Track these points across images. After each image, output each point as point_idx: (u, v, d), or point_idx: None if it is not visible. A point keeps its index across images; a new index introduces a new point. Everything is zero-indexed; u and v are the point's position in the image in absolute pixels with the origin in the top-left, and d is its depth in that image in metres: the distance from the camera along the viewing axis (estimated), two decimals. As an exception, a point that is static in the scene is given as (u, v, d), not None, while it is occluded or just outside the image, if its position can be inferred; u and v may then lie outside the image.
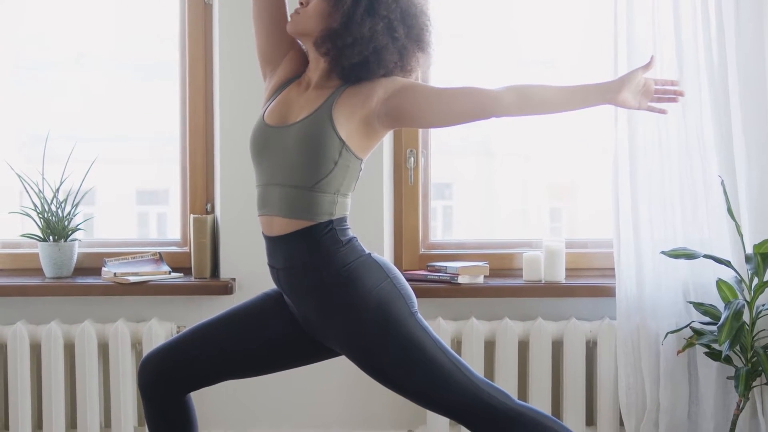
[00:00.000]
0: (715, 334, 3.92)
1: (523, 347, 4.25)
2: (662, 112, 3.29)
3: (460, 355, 4.14)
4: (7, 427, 4.23)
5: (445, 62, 4.41)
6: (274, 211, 3.11)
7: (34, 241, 4.31)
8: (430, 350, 3.05)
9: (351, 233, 3.13)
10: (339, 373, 4.22)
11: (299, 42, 3.28)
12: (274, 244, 3.14)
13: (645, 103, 3.21)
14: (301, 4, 3.14)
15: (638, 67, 3.25)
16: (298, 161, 3.05)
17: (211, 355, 3.21)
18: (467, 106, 3.09)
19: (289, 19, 3.19)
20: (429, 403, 3.12)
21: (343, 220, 3.10)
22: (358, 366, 3.12)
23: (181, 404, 3.23)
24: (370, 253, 3.12)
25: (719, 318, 3.92)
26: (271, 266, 3.19)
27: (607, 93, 3.16)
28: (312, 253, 3.07)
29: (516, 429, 3.04)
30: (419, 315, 3.10)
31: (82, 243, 4.39)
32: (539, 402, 4.15)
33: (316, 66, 3.18)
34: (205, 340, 3.22)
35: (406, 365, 3.05)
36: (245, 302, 3.29)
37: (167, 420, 3.22)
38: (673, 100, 3.27)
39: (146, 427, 3.25)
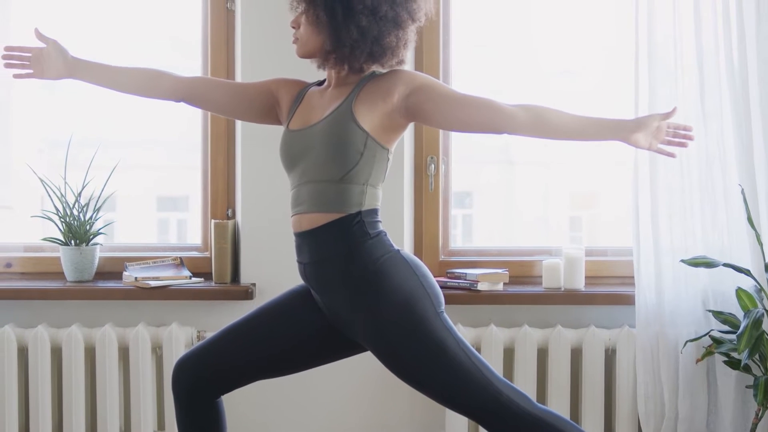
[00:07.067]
0: (735, 342, 3.92)
1: (542, 354, 4.26)
2: (671, 155, 3.30)
3: (479, 361, 4.14)
4: (27, 429, 4.25)
5: (467, 72, 4.43)
6: (304, 208, 3.14)
7: (56, 245, 4.33)
8: (451, 349, 3.07)
9: (381, 227, 3.15)
10: (358, 378, 4.24)
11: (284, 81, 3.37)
12: (303, 239, 3.17)
13: (655, 144, 3.24)
14: (294, 27, 3.20)
15: (659, 113, 3.29)
16: (324, 156, 3.09)
17: (245, 357, 3.23)
18: (481, 119, 3.13)
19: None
20: (448, 402, 3.14)
21: (373, 212, 3.13)
22: (381, 361, 3.15)
23: (214, 407, 3.26)
24: (399, 250, 3.15)
25: (738, 327, 3.92)
26: (300, 262, 3.21)
27: (621, 131, 3.20)
28: (339, 245, 3.09)
29: (534, 432, 3.07)
30: (445, 315, 3.12)
31: (103, 247, 4.41)
32: (558, 409, 4.14)
33: (330, 71, 3.23)
34: (238, 342, 3.24)
35: (427, 363, 3.07)
36: (272, 301, 3.31)
37: (200, 423, 3.24)
38: (683, 144, 3.29)
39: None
